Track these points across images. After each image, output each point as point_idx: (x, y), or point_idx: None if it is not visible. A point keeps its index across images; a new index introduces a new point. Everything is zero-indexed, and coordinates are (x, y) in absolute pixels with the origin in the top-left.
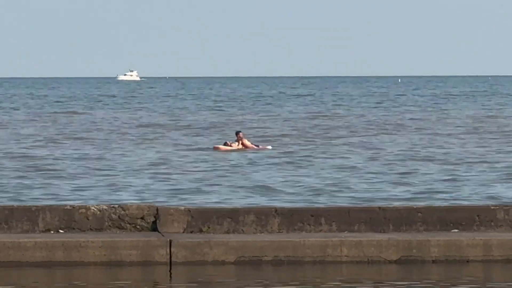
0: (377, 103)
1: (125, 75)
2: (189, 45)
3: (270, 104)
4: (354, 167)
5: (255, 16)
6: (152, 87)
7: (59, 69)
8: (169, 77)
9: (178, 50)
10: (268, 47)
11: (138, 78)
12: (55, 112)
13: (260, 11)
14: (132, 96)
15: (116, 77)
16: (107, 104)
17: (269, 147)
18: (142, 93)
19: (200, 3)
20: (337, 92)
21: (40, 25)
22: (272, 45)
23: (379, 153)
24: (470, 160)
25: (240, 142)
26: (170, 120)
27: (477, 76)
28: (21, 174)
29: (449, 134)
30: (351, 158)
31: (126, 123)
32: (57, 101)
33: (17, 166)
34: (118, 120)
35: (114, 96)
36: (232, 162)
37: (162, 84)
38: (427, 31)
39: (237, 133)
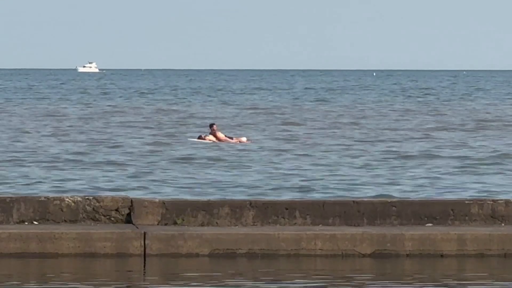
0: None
1: (84, 66)
2: (149, 37)
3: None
4: None
5: (222, 7)
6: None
7: (15, 61)
8: (144, 69)
9: (138, 42)
10: (237, 39)
11: (97, 70)
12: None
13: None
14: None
15: (75, 69)
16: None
17: (244, 138)
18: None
19: None
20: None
21: None
22: (241, 37)
23: None
24: None
25: (214, 134)
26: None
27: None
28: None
29: None
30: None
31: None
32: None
33: None
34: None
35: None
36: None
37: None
38: (403, 23)
39: (211, 125)
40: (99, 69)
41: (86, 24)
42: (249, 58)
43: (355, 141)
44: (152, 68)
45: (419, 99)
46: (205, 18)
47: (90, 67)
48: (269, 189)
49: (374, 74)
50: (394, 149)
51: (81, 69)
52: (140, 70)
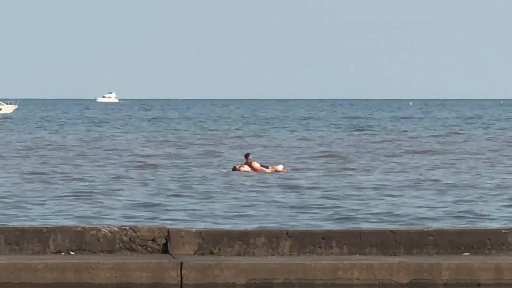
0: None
1: (103, 97)
2: (167, 67)
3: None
4: None
5: (237, 35)
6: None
7: (35, 91)
8: (180, 99)
9: (157, 72)
10: (259, 67)
11: (116, 100)
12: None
13: (248, 28)
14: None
15: (95, 99)
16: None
17: (280, 167)
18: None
19: (179, 22)
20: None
21: (15, 44)
22: (263, 66)
23: None
24: None
25: (249, 165)
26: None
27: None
28: None
29: None
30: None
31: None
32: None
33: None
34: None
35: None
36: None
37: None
38: (434, 54)
39: (246, 155)
40: (119, 99)
41: (104, 54)
42: (276, 86)
43: None
44: (187, 98)
45: None
46: (227, 47)
47: (110, 97)
48: None
49: (411, 104)
50: None
51: (100, 99)
52: (177, 99)
